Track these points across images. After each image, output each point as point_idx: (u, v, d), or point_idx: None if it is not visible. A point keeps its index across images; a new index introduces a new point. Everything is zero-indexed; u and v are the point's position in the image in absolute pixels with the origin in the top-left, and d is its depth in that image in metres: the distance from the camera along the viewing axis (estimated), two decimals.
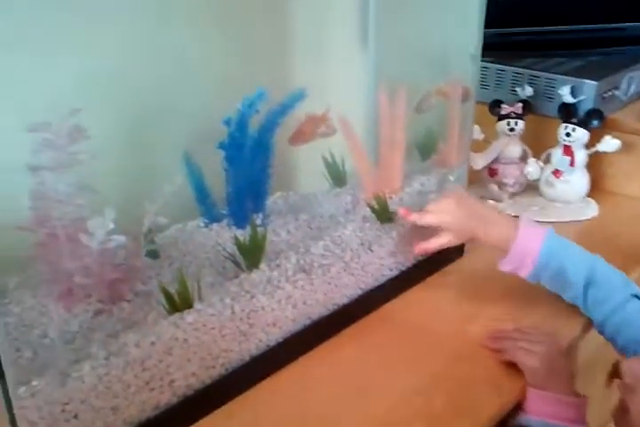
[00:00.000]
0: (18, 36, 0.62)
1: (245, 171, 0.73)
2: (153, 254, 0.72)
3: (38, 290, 0.64)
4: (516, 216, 1.03)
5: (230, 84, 0.78)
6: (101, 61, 0.68)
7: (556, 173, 1.09)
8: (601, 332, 0.77)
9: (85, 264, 0.59)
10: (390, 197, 0.86)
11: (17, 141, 0.55)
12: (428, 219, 0.79)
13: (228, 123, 0.70)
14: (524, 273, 0.76)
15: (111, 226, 0.56)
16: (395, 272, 0.85)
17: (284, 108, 0.72)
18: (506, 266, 0.77)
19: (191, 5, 0.77)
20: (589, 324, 0.78)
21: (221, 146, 0.71)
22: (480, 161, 1.11)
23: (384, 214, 0.82)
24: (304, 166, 0.92)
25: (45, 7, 0.64)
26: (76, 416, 0.55)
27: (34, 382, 0.53)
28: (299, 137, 0.77)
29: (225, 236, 0.77)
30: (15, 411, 0.51)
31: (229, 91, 0.75)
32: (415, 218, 0.79)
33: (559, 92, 1.09)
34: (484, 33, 0.87)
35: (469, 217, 0.78)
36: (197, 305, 0.63)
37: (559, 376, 0.69)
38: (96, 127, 0.59)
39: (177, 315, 0.61)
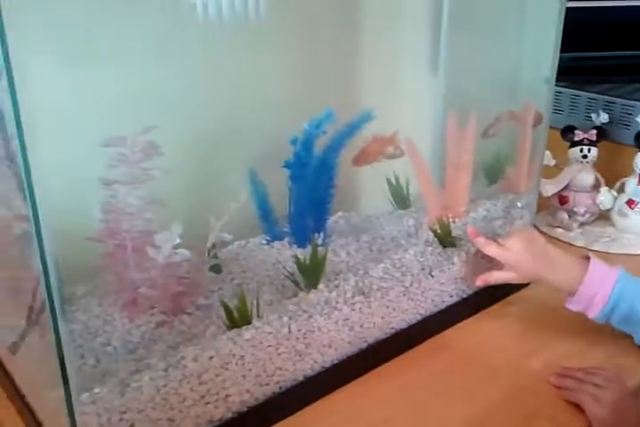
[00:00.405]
0: (93, 50, 0.65)
1: (309, 190, 0.74)
2: (216, 269, 0.73)
3: (104, 299, 0.67)
4: (585, 248, 1.02)
5: (301, 104, 0.79)
6: (173, 79, 0.71)
7: (631, 203, 1.04)
8: None
9: (151, 276, 0.61)
10: (454, 222, 0.85)
11: (87, 156, 0.58)
12: (491, 250, 0.77)
13: (294, 142, 0.71)
14: (592, 314, 0.74)
15: (177, 240, 0.58)
16: (455, 299, 0.83)
17: (351, 129, 0.72)
18: (574, 306, 0.75)
19: (264, 26, 0.79)
20: None
21: (287, 165, 0.72)
22: (550, 188, 1.08)
23: (447, 239, 0.81)
24: (368, 187, 0.92)
25: (126, 25, 0.67)
26: (132, 426, 0.56)
27: (96, 390, 0.54)
28: (362, 158, 0.78)
29: (286, 254, 0.77)
30: (76, 416, 0.52)
31: (300, 111, 0.77)
32: (480, 243, 0.78)
33: (637, 119, 1.05)
34: (560, 57, 0.85)
35: (535, 260, 0.76)
36: (256, 322, 0.63)
37: (628, 425, 0.65)
38: (167, 143, 0.61)
39: (235, 331, 0.62)
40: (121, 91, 0.66)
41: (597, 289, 0.73)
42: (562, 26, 0.80)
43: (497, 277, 0.79)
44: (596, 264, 0.74)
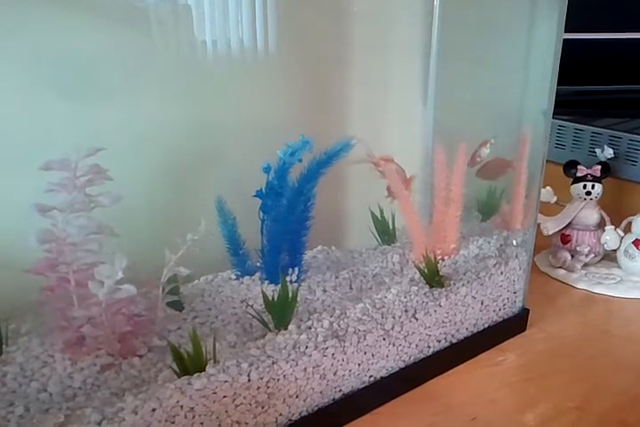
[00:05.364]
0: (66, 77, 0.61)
1: (282, 222, 0.68)
2: (176, 306, 0.67)
3: (47, 338, 0.60)
4: (587, 290, 0.95)
5: (286, 132, 0.75)
6: (146, 104, 0.67)
7: (638, 243, 0.97)
8: None
9: (94, 314, 0.55)
10: (442, 259, 0.78)
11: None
12: None
13: (267, 170, 0.66)
14: None
15: (120, 275, 0.52)
16: (444, 344, 0.76)
17: (329, 158, 0.67)
18: None
19: (251, 54, 0.76)
20: None
21: (258, 194, 0.67)
22: (551, 225, 1.02)
23: (434, 278, 0.74)
24: (352, 220, 0.86)
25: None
26: None
27: None
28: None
29: (256, 290, 0.71)
30: None
31: (284, 139, 0.72)
32: None
33: None
34: (562, 90, 0.80)
35: None
36: (210, 369, 0.56)
37: None
38: (138, 171, 0.57)
39: (185, 379, 0.55)
40: (89, 115, 0.62)
41: None
42: (559, 56, 0.75)
43: None
44: None
